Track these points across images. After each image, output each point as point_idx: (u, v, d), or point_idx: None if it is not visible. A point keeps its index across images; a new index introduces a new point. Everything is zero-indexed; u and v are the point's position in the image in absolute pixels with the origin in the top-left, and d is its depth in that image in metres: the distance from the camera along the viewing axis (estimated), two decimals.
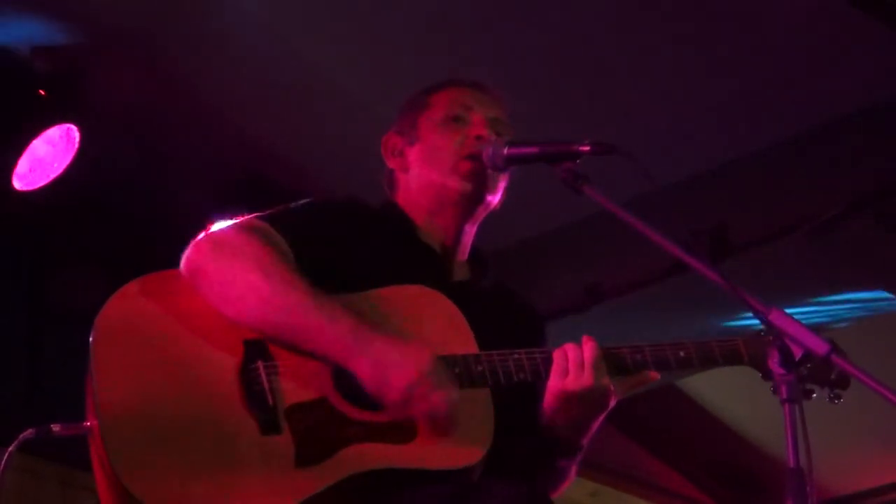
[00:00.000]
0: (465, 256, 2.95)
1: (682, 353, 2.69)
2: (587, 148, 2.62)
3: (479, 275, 2.96)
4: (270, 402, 2.50)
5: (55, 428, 2.64)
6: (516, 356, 2.64)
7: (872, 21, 4.58)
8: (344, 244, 2.76)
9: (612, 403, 2.67)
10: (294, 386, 2.54)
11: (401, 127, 3.00)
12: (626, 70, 4.96)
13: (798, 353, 2.18)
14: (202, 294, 2.61)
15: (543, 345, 2.85)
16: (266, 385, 2.52)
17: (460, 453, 2.51)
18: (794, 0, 4.64)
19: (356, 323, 2.56)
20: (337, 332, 2.54)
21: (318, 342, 2.55)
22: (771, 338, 2.59)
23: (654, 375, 2.70)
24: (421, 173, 2.91)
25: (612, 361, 2.65)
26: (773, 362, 2.20)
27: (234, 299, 2.59)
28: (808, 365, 2.65)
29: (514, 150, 2.77)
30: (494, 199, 2.92)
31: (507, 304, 2.97)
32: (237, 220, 2.74)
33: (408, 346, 2.55)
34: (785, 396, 2.17)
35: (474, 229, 2.95)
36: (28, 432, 2.65)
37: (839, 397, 2.71)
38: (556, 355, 2.63)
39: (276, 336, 2.58)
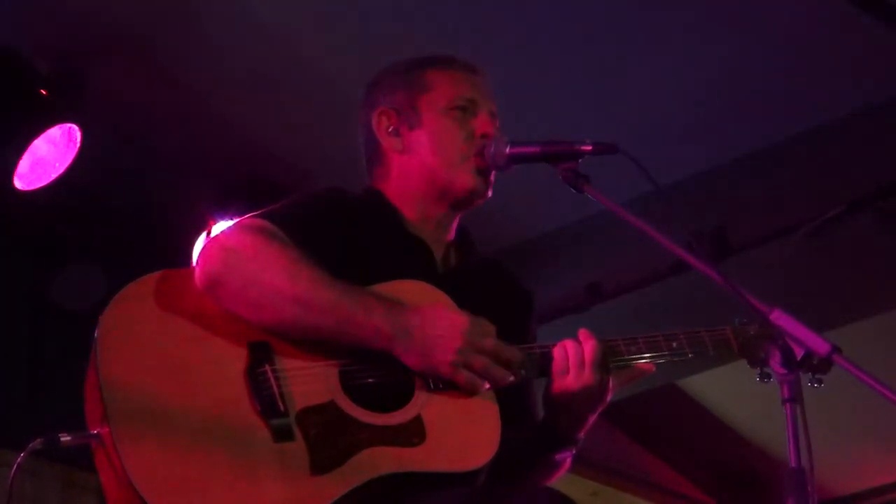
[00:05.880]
0: (452, 237, 2.93)
1: (674, 344, 2.68)
2: (589, 147, 2.62)
3: (467, 254, 2.94)
4: (282, 408, 2.47)
5: (64, 437, 2.54)
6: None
7: (872, 21, 4.58)
8: (338, 239, 2.73)
9: (610, 397, 2.66)
10: (303, 389, 2.51)
11: (396, 103, 2.92)
12: (626, 69, 4.97)
13: (799, 353, 2.18)
14: (224, 304, 2.57)
15: (532, 321, 2.90)
16: (276, 390, 2.49)
17: (469, 455, 2.50)
18: (794, 0, 4.64)
19: (388, 308, 2.55)
20: (375, 322, 2.53)
21: (359, 335, 2.54)
22: (758, 326, 2.65)
23: (650, 368, 2.70)
24: (425, 161, 2.86)
25: (609, 355, 2.63)
26: (775, 362, 2.21)
27: (264, 306, 2.55)
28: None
29: (517, 150, 2.76)
30: (489, 194, 2.91)
31: (497, 285, 2.94)
32: (239, 222, 2.70)
33: (439, 316, 2.55)
34: (786, 396, 2.17)
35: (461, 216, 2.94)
36: (36, 442, 2.57)
37: (820, 381, 2.71)
38: (556, 353, 2.62)
39: (312, 335, 2.55)
